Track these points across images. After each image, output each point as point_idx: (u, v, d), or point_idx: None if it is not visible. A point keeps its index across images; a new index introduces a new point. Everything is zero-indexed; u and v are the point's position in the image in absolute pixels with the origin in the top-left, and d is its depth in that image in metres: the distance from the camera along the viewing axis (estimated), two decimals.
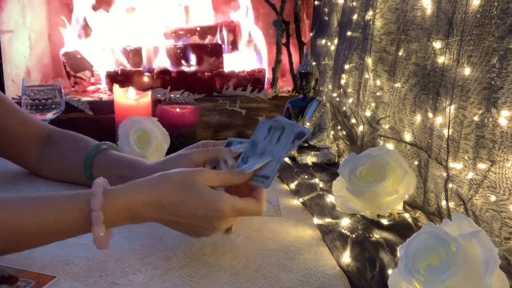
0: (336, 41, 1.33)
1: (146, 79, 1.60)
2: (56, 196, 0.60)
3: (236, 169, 0.67)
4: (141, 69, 1.64)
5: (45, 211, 0.57)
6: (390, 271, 0.58)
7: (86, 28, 1.78)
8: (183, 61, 1.68)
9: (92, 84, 1.76)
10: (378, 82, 1.00)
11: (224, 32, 1.81)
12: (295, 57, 1.72)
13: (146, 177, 0.63)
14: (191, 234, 0.65)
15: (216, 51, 1.70)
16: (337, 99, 1.25)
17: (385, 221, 0.76)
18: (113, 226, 0.61)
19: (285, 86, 1.82)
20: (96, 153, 0.88)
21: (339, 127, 1.23)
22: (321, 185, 0.93)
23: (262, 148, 0.67)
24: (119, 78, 1.59)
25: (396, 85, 0.92)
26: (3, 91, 1.48)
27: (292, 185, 0.97)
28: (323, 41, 1.46)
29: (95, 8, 1.76)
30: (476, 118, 0.65)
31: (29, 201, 0.59)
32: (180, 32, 1.79)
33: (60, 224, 0.58)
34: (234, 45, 1.83)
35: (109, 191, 0.60)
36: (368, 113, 1.04)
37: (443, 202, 0.73)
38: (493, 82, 0.61)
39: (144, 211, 0.60)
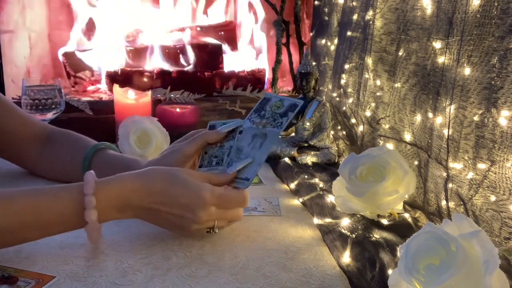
0: (336, 41, 1.33)
1: (146, 79, 1.60)
2: (52, 186, 0.65)
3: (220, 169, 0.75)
4: (141, 69, 1.64)
5: (41, 200, 0.62)
6: (390, 271, 0.58)
7: (86, 28, 1.78)
8: (183, 61, 1.68)
9: (92, 84, 1.76)
10: (378, 82, 1.00)
11: (224, 32, 1.80)
12: (295, 57, 1.72)
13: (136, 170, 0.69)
14: (176, 228, 0.69)
15: (216, 51, 1.70)
16: (337, 99, 1.25)
17: (385, 221, 0.76)
18: (104, 215, 0.64)
19: (285, 86, 1.82)
20: (94, 153, 0.88)
21: (339, 127, 1.23)
22: (321, 185, 0.93)
23: (245, 154, 0.73)
24: (119, 78, 1.59)
25: (396, 85, 0.92)
26: (3, 91, 1.48)
27: (292, 185, 0.97)
28: (323, 41, 1.46)
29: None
30: (476, 118, 0.65)
31: (26, 191, 0.63)
32: (180, 31, 1.79)
33: (54, 213, 0.62)
34: (234, 45, 1.83)
35: (101, 180, 0.65)
36: (368, 113, 1.04)
37: (443, 202, 0.73)
38: (493, 82, 0.61)
39: (132, 199, 0.65)
